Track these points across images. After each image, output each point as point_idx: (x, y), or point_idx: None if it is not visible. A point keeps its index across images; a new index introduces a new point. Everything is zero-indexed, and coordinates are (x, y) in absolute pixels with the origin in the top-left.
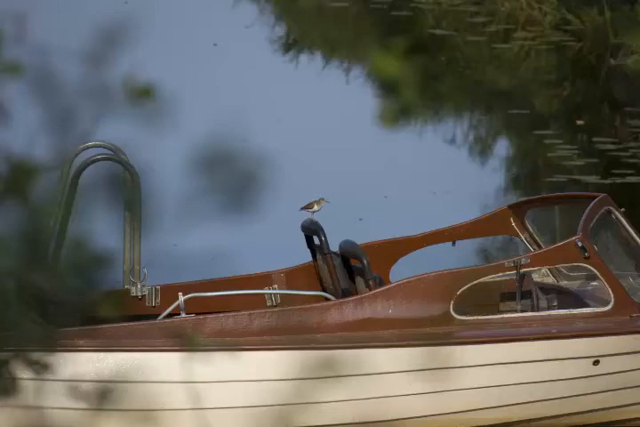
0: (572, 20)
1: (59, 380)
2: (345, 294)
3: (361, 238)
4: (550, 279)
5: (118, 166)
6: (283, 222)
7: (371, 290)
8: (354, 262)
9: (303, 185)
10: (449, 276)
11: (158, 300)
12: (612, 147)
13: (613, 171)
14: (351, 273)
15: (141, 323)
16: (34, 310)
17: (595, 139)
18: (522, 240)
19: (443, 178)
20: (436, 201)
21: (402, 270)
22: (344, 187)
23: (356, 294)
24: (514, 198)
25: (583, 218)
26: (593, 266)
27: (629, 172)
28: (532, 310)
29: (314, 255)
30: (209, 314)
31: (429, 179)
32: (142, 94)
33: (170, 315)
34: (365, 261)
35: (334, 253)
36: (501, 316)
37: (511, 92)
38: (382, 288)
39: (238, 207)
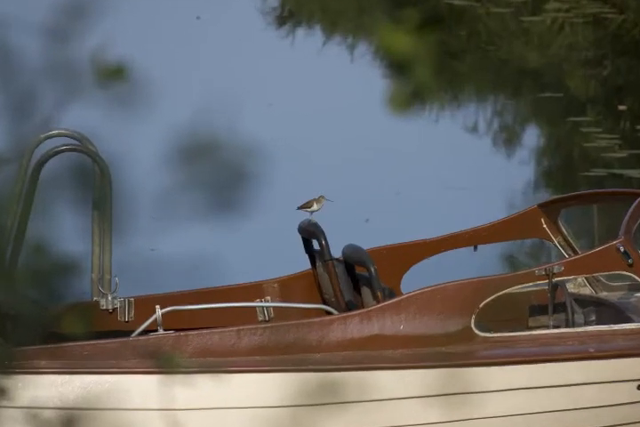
0: None
1: (17, 407)
2: (349, 307)
3: (368, 243)
4: (587, 290)
5: (85, 158)
6: (277, 224)
7: (379, 302)
8: (359, 271)
9: (300, 180)
10: (470, 286)
11: (132, 314)
12: None
13: None
14: (356, 283)
15: (112, 341)
16: None
17: (639, 127)
18: (554, 244)
19: (463, 172)
20: (455, 199)
21: (415, 280)
22: (348, 183)
23: (362, 307)
24: (545, 196)
25: (625, 219)
26: (637, 274)
27: None
28: (567, 326)
29: (313, 262)
30: (191, 330)
31: (447, 173)
32: (114, 74)
33: (146, 331)
34: (373, 269)
35: (336, 259)
36: (531, 332)
37: (542, 72)
38: (392, 300)
39: (225, 206)
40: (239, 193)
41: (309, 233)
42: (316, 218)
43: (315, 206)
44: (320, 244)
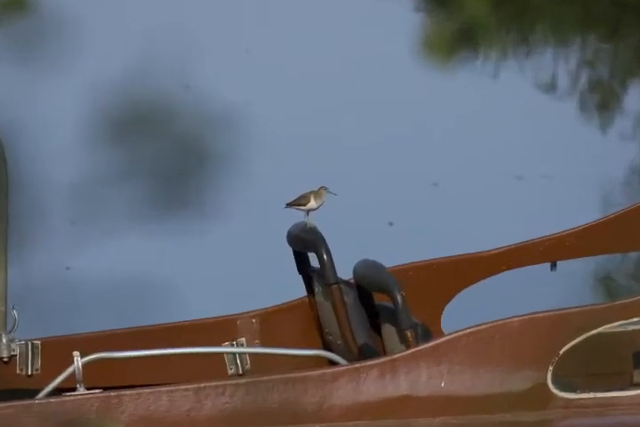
0: None
1: None
2: (364, 353)
3: (392, 257)
4: None
5: None
6: (254, 229)
7: (409, 347)
8: (380, 300)
9: (291, 166)
10: (545, 322)
11: (38, 364)
12: None
13: None
14: (375, 318)
15: (8, 405)
16: None
17: None
18: None
19: (534, 152)
20: (523, 192)
21: (462, 313)
22: (363, 169)
23: (384, 353)
24: None
25: None
26: None
27: None
28: None
29: (309, 287)
30: (126, 389)
31: (511, 155)
32: (11, 6)
33: (59, 390)
34: (400, 298)
35: (345, 282)
36: (637, 392)
37: None
38: (429, 344)
39: (177, 202)
40: (196, 183)
41: (304, 243)
42: (314, 220)
43: (312, 203)
44: (320, 259)
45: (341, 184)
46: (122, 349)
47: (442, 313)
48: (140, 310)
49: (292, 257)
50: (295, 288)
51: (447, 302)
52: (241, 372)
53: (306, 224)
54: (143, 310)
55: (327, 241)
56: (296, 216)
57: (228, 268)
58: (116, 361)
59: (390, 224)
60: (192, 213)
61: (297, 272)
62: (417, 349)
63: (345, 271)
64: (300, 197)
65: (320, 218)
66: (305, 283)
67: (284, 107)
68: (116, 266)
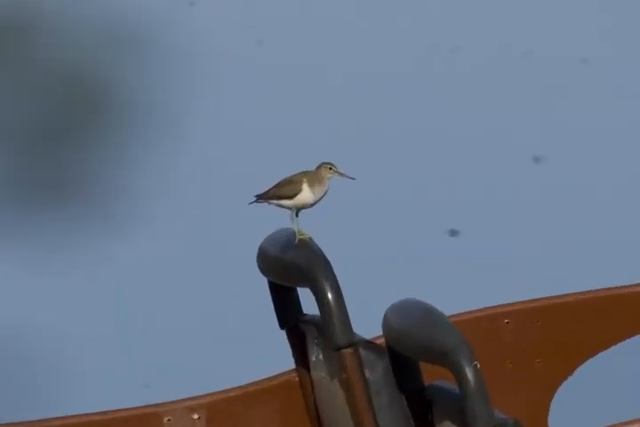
0: None
1: None
2: None
3: (455, 295)
4: None
5: None
6: (196, 246)
7: None
8: (434, 379)
9: (266, 137)
10: None
11: None
12: None
13: None
14: (421, 408)
15: None
16: None
17: None
18: None
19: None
20: None
21: (583, 398)
22: (399, 141)
23: None
24: None
25: None
26: None
27: None
28: None
29: (298, 351)
30: None
31: None
32: None
33: None
34: (471, 374)
35: (367, 344)
36: None
37: None
38: None
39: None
40: (87, 166)
41: (291, 270)
42: (309, 228)
43: (305, 194)
44: (321, 300)
45: (358, 160)
46: None
47: (552, 399)
48: (16, 387)
49: (268, 296)
50: (272, 355)
51: (562, 382)
52: None
53: (294, 235)
54: (5, 387)
55: (334, 266)
56: (274, 220)
57: (151, 319)
58: None
59: (452, 234)
60: (83, 223)
61: (276, 325)
62: None
63: (367, 323)
64: (281, 185)
65: (320, 223)
66: (291, 345)
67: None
68: None
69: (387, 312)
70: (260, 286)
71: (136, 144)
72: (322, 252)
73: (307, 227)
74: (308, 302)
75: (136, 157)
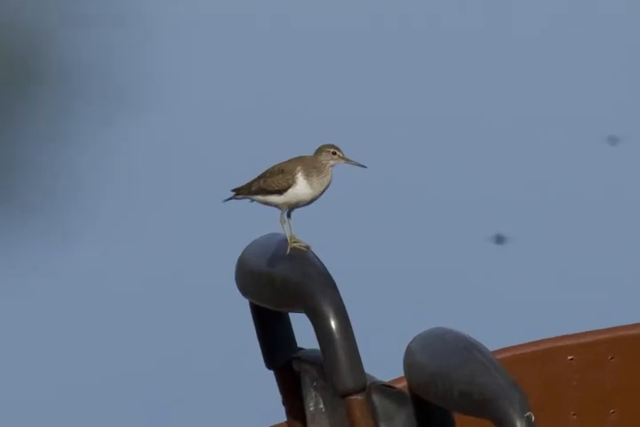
0: None
1: None
2: None
3: (502, 326)
4: None
5: None
6: (158, 251)
7: None
8: None
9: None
10: None
11: None
12: None
13: None
14: None
15: None
16: None
17: None
18: None
19: None
20: None
21: None
22: (425, 124)
23: None
24: None
25: None
26: None
27: None
28: None
29: (291, 399)
30: None
31: None
32: None
33: None
34: None
35: (383, 388)
36: None
37: None
38: None
39: None
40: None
41: (280, 290)
42: (304, 241)
43: (301, 186)
44: (322, 331)
45: (377, 155)
46: None
47: None
48: None
49: (250, 324)
50: (255, 405)
51: None
52: None
53: (285, 242)
54: None
55: (339, 284)
56: (258, 223)
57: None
58: None
59: (498, 240)
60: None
61: (261, 364)
62: None
63: (383, 360)
64: (268, 175)
65: (321, 226)
66: (282, 390)
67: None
68: None
69: (410, 346)
70: (239, 312)
71: (77, 120)
72: (323, 265)
73: (302, 232)
74: (303, 333)
75: (72, 135)
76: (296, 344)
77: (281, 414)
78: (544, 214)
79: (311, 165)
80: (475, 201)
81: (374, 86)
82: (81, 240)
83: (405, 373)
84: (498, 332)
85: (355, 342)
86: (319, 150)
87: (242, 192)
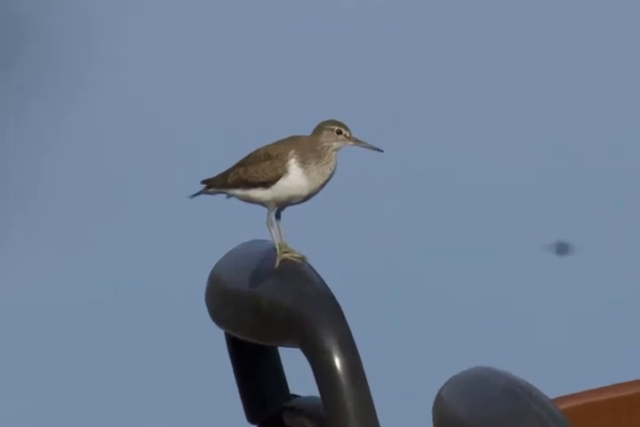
0: None
1: None
2: None
3: (566, 366)
4: None
5: None
6: (110, 261)
7: None
8: None
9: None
10: None
11: None
12: None
13: None
14: None
15: None
16: None
17: None
18: None
19: None
20: None
21: None
22: (468, 108)
23: None
24: None
25: None
26: None
27: None
28: None
29: None
30: None
31: None
32: None
33: None
34: None
35: None
36: None
37: None
38: None
39: None
40: None
41: (263, 315)
42: (307, 238)
43: (294, 177)
44: (322, 367)
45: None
46: None
47: None
48: None
49: (227, 363)
50: None
51: None
52: None
53: (273, 251)
54: None
55: (345, 309)
56: (238, 226)
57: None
58: None
59: (560, 250)
60: None
61: (242, 417)
62: None
63: (403, 411)
64: (251, 162)
65: (321, 230)
66: None
67: None
68: None
69: (441, 392)
70: (212, 347)
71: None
72: (323, 282)
73: (296, 238)
74: (298, 374)
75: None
76: (288, 390)
77: None
78: (618, 217)
79: (308, 148)
80: (530, 201)
81: (395, 34)
82: (19, 245)
83: (437, 423)
84: (559, 373)
85: (367, 387)
86: (319, 129)
87: (215, 185)
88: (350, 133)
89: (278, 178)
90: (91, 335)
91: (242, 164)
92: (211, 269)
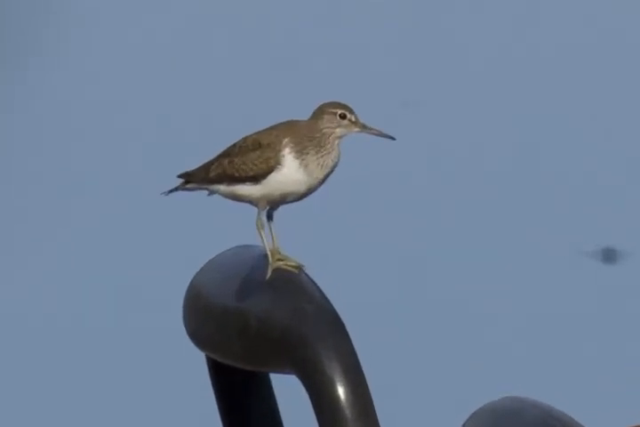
0: None
1: None
2: None
3: (615, 394)
4: None
5: None
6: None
7: None
8: None
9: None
10: None
11: None
12: None
13: None
14: None
15: None
16: None
17: None
18: None
19: None
20: None
21: None
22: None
23: None
24: None
25: None
26: None
27: None
28: None
29: None
30: None
31: None
32: None
33: None
34: None
35: None
36: None
37: None
38: None
39: None
40: None
41: (252, 336)
42: (304, 243)
43: (289, 170)
44: (322, 396)
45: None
46: None
47: None
48: None
49: (209, 389)
50: None
51: None
52: None
53: (264, 259)
54: None
55: (348, 325)
56: (223, 229)
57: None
58: None
59: (607, 256)
60: None
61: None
62: None
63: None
64: (238, 152)
65: (321, 233)
66: None
67: None
68: None
69: (466, 425)
70: (190, 368)
71: None
72: (324, 296)
73: (293, 243)
74: (293, 405)
75: None
76: (281, 424)
77: None
78: None
79: (306, 135)
80: (573, 203)
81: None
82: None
83: None
84: (605, 402)
85: (376, 421)
86: (319, 112)
87: (194, 179)
88: (356, 118)
89: (270, 171)
90: (89, 336)
91: (227, 154)
92: (190, 281)
